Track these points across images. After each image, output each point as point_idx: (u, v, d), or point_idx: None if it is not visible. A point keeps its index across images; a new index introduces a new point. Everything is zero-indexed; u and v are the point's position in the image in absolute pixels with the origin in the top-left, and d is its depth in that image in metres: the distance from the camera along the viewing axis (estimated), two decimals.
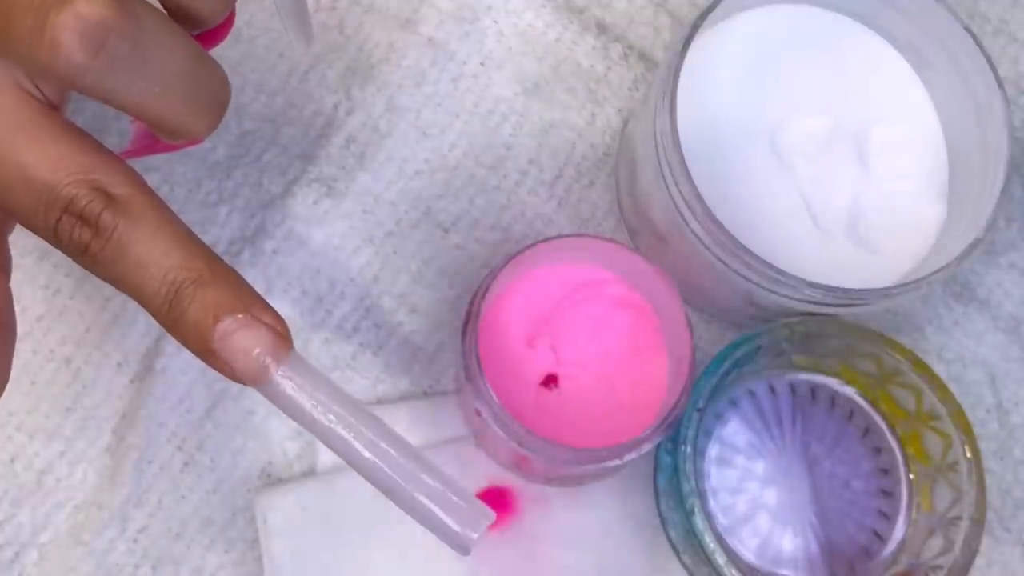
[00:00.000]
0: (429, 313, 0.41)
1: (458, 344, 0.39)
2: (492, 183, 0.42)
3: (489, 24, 0.44)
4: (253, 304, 0.27)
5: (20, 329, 0.40)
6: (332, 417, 0.27)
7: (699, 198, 0.35)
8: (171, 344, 0.40)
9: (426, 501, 0.27)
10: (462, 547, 0.27)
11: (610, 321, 0.37)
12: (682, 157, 0.35)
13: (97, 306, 0.40)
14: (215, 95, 0.29)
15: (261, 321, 0.27)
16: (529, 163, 0.43)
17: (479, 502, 0.27)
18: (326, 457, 0.39)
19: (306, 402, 0.27)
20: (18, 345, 0.39)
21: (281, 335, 0.27)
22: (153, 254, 0.26)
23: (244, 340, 0.26)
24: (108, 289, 0.40)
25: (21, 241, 0.40)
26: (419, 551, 0.38)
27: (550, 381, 0.37)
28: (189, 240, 0.27)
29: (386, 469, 0.27)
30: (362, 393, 0.40)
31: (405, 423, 0.39)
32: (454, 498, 0.27)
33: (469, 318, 0.35)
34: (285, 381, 0.27)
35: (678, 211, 0.36)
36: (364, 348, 0.41)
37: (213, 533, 0.39)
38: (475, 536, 0.27)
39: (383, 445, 0.27)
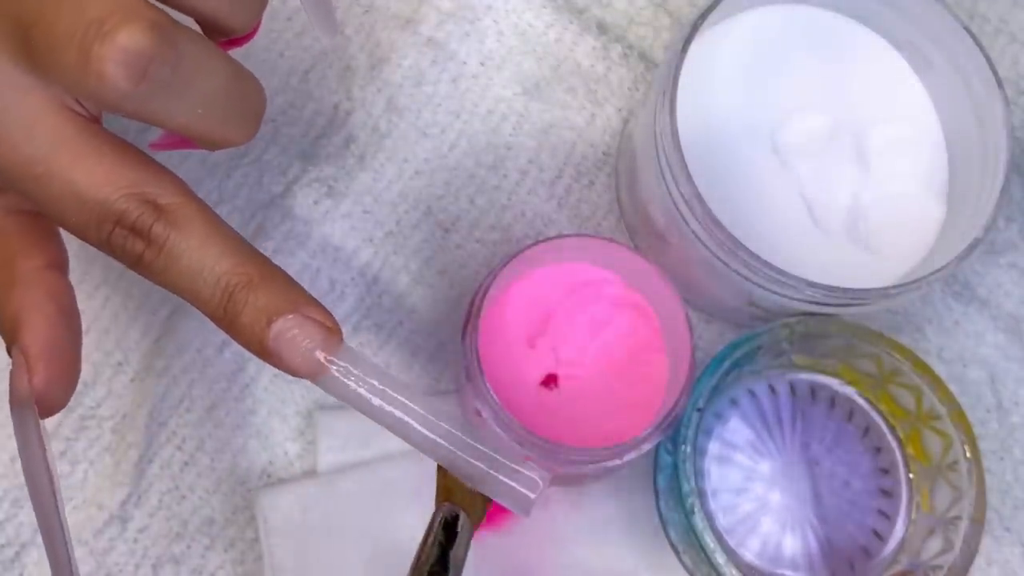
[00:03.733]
0: (429, 313, 0.41)
1: (458, 344, 0.39)
2: (492, 183, 0.42)
3: (489, 24, 0.44)
4: (303, 303, 0.28)
5: None
6: (387, 401, 0.28)
7: (699, 198, 0.35)
8: (171, 344, 0.40)
9: (486, 468, 0.29)
10: (523, 507, 0.29)
11: (610, 321, 0.37)
12: (682, 157, 0.35)
13: (97, 305, 0.40)
14: (252, 107, 0.30)
15: (311, 318, 0.28)
16: (529, 163, 0.43)
17: (534, 466, 0.29)
18: (326, 457, 0.39)
19: (362, 389, 0.28)
20: None
21: (331, 330, 0.28)
22: (205, 261, 0.28)
23: (297, 339, 0.28)
24: (108, 288, 0.40)
25: None
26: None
27: (550, 381, 0.37)
28: (238, 245, 0.28)
29: (445, 444, 0.29)
30: None
31: None
32: (511, 464, 0.29)
33: (469, 318, 0.35)
34: (340, 372, 0.28)
35: (678, 211, 0.36)
36: (364, 348, 0.41)
37: (213, 533, 0.39)
38: (533, 496, 0.29)
39: (438, 422, 0.29)
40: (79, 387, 0.39)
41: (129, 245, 0.27)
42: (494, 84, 0.43)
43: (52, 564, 0.30)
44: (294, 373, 0.28)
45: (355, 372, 0.28)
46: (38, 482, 0.30)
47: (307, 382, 0.40)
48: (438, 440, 0.29)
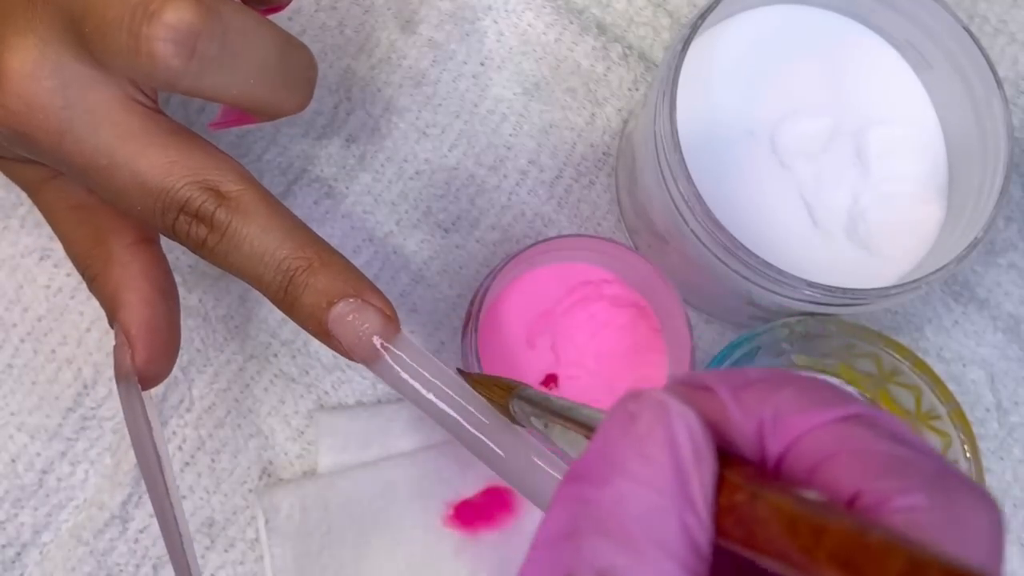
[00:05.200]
0: (429, 313, 0.41)
1: (458, 344, 0.39)
2: (492, 183, 0.42)
3: (489, 24, 0.44)
4: (362, 288, 0.29)
5: (21, 329, 0.40)
6: (438, 393, 0.29)
7: (699, 198, 0.35)
8: None
9: (526, 472, 0.29)
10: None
11: (610, 321, 0.37)
12: (682, 157, 0.35)
13: (98, 306, 0.40)
14: (304, 74, 0.31)
15: (370, 304, 0.29)
16: (529, 163, 0.43)
17: None
18: (326, 457, 0.39)
19: (414, 380, 0.29)
20: (19, 345, 0.40)
21: (389, 317, 0.29)
22: (266, 246, 0.28)
23: (356, 322, 0.28)
24: None
25: (22, 241, 0.40)
26: (419, 551, 0.38)
27: (550, 381, 0.37)
28: (299, 230, 0.29)
29: (488, 443, 0.29)
30: (363, 393, 0.40)
31: (405, 423, 0.39)
32: (552, 471, 0.29)
33: (469, 318, 0.35)
34: (394, 359, 0.29)
35: (678, 211, 0.36)
36: None
37: (213, 533, 0.39)
38: None
39: (485, 420, 0.29)
40: (79, 388, 0.39)
41: (193, 231, 0.28)
42: (494, 84, 0.43)
43: (162, 526, 0.31)
44: (350, 356, 0.29)
45: (409, 362, 0.29)
46: (145, 451, 0.31)
47: (306, 382, 0.40)
48: (485, 441, 0.29)
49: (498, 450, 0.29)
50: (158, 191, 0.28)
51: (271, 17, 0.33)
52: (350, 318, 0.28)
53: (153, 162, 0.28)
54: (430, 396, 0.29)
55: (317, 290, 0.28)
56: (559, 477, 0.29)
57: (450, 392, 0.29)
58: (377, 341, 0.28)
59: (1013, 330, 0.43)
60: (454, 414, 0.29)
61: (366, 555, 0.38)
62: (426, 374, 0.29)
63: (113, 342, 0.40)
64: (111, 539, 0.38)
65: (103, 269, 0.32)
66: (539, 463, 0.29)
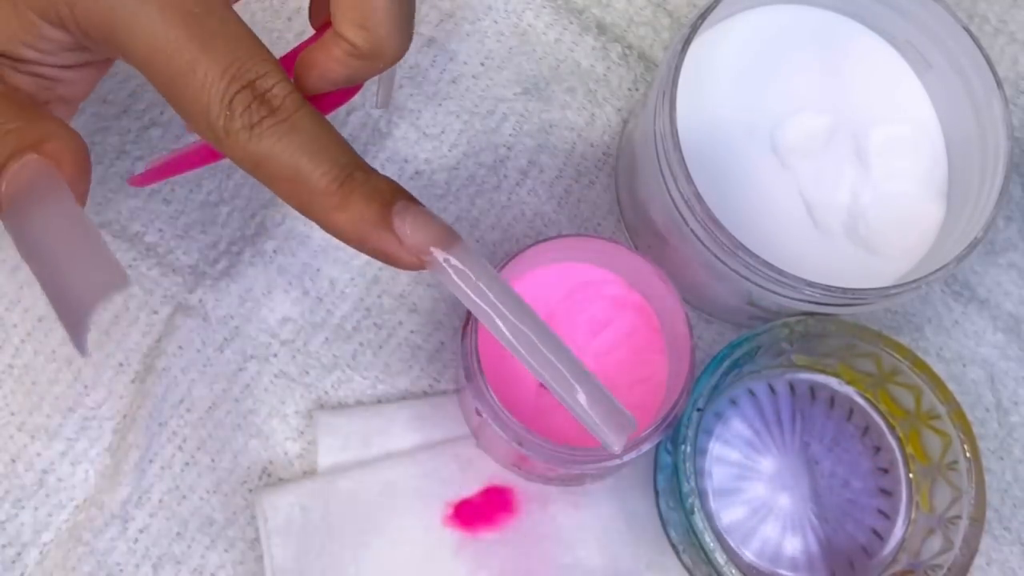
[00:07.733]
0: (429, 313, 0.41)
1: (458, 344, 0.39)
2: (492, 183, 0.42)
3: (489, 24, 0.44)
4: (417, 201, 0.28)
5: (22, 329, 0.40)
6: (494, 307, 0.27)
7: (699, 198, 0.35)
8: (172, 344, 0.40)
9: (587, 398, 0.28)
10: (610, 445, 0.28)
11: (610, 321, 0.37)
12: (682, 157, 0.35)
13: (99, 307, 0.40)
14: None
15: (431, 213, 0.27)
16: (529, 163, 0.43)
17: (626, 411, 0.28)
18: (326, 457, 0.39)
19: (471, 289, 0.27)
20: (20, 346, 0.40)
21: (450, 227, 0.27)
22: (324, 141, 0.27)
23: (419, 218, 0.27)
24: None
25: None
26: (419, 551, 0.38)
27: None
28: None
29: (535, 365, 0.28)
30: (362, 393, 0.40)
31: (405, 423, 0.39)
32: (604, 398, 0.28)
33: (469, 318, 0.35)
34: (454, 265, 0.27)
35: (678, 211, 0.36)
36: (364, 348, 0.41)
37: (213, 533, 0.39)
38: (622, 438, 0.28)
39: (535, 340, 0.28)
40: (79, 388, 0.39)
41: (254, 107, 0.27)
42: (494, 84, 0.43)
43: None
44: (403, 258, 0.27)
45: (468, 270, 0.27)
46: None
47: (306, 382, 0.40)
48: (529, 359, 0.28)
49: (564, 371, 0.27)
50: (232, 59, 0.27)
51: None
52: (413, 213, 0.27)
53: (228, 34, 0.27)
54: (486, 308, 0.27)
55: (379, 187, 0.27)
56: (614, 409, 0.28)
57: (505, 310, 0.27)
58: (437, 244, 0.27)
59: (1013, 330, 0.43)
60: (505, 330, 0.27)
61: (366, 555, 0.38)
62: (483, 285, 0.27)
63: (111, 344, 0.40)
64: (111, 539, 0.38)
65: (27, 123, 0.28)
66: (599, 396, 0.28)
